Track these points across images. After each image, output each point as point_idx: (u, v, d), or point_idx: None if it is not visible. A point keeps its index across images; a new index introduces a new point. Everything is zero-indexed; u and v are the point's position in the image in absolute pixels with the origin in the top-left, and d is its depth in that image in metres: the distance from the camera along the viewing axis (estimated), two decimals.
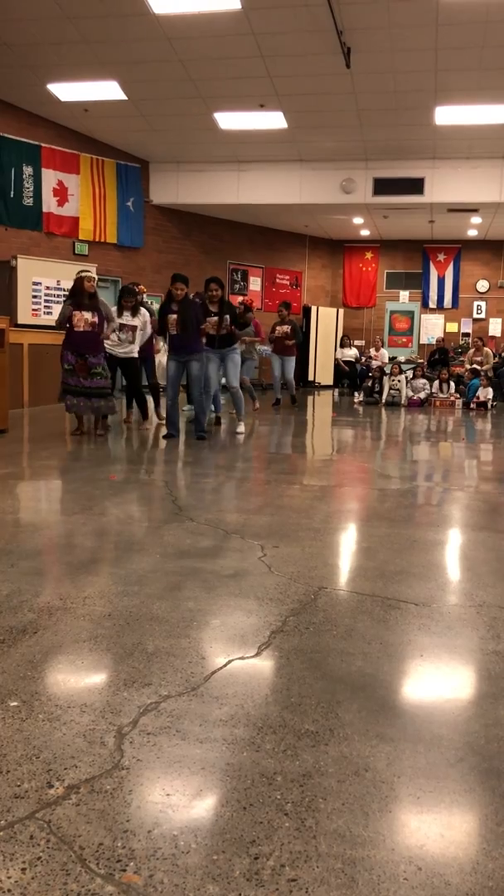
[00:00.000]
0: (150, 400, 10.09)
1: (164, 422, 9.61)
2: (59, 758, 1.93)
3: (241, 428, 9.06)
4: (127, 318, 8.82)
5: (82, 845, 1.61)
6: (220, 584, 3.35)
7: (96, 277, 8.48)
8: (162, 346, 10.48)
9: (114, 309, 8.76)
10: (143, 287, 10.15)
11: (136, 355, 9.02)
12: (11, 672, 2.41)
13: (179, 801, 1.77)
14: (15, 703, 2.21)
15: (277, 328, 12.53)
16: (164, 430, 8.67)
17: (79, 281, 8.09)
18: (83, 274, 8.14)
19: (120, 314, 8.74)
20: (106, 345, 8.56)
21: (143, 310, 9.15)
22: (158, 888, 1.49)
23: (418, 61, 10.10)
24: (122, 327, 8.78)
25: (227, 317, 8.56)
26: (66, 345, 8.09)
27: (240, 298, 12.50)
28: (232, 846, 1.62)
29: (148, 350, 9.73)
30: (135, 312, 8.97)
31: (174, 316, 8.08)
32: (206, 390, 8.62)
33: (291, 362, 12.76)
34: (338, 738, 2.07)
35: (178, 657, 2.55)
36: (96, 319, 8.02)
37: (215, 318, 8.49)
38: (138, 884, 1.50)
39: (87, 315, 7.99)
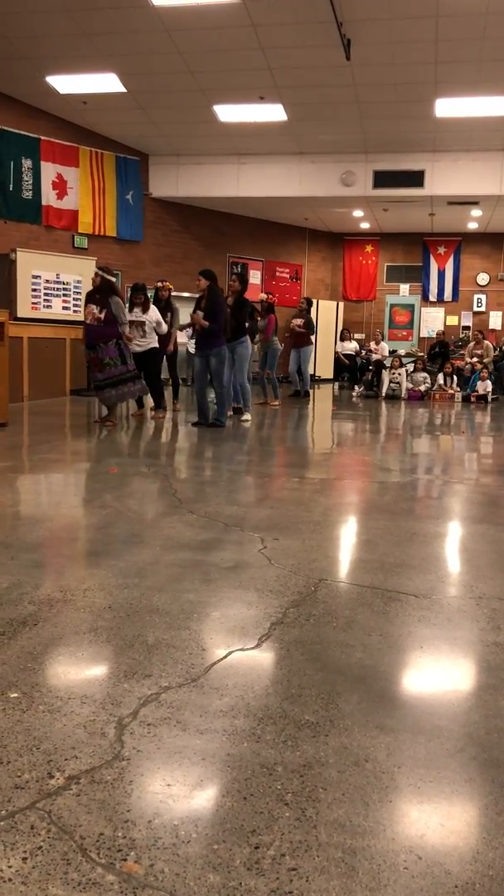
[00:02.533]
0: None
1: (178, 412, 9.85)
2: (60, 749, 1.93)
3: (247, 416, 9.37)
4: (137, 314, 8.92)
5: (83, 835, 1.61)
6: (221, 576, 3.36)
7: (98, 271, 8.50)
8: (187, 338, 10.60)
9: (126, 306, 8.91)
10: (168, 283, 10.18)
11: (155, 345, 9.14)
12: (12, 663, 2.41)
13: (180, 791, 1.78)
14: (15, 695, 2.21)
15: (293, 321, 12.83)
16: (180, 419, 8.69)
17: (94, 276, 8.36)
18: (98, 270, 8.36)
19: (130, 310, 8.86)
20: (134, 347, 8.75)
21: (153, 306, 9.25)
22: (159, 877, 1.49)
23: (418, 53, 10.06)
24: (132, 323, 8.87)
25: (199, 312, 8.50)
26: (84, 342, 8.36)
27: (262, 295, 12.59)
28: (232, 836, 1.62)
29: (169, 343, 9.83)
30: (145, 309, 9.06)
31: (200, 314, 8.25)
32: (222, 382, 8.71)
33: (307, 353, 13.01)
34: (338, 728, 2.07)
35: (179, 649, 2.55)
36: (102, 315, 8.12)
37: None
38: (139, 873, 1.50)
39: (95, 309, 8.15)
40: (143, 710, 2.13)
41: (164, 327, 9.37)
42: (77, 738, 1.98)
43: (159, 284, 9.81)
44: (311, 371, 14.11)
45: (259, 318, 11.33)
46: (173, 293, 10.50)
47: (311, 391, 13.67)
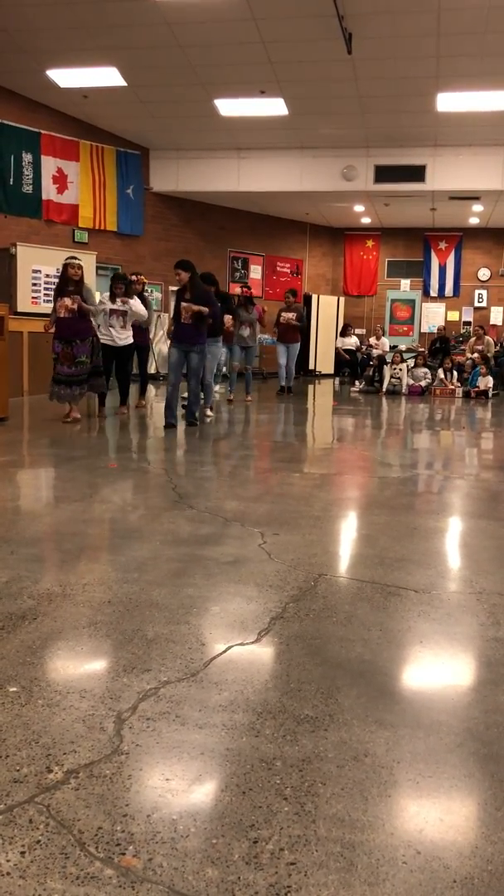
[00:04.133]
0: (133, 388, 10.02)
1: (143, 408, 9.70)
2: (59, 743, 1.93)
3: (210, 412, 9.12)
4: (118, 304, 8.73)
5: (81, 829, 1.61)
6: (220, 570, 3.35)
7: (82, 264, 8.35)
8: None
9: (105, 295, 8.73)
10: (143, 277, 10.03)
11: (131, 341, 8.95)
12: (11, 658, 2.41)
13: (179, 785, 1.77)
14: (14, 689, 2.21)
15: (283, 314, 12.53)
16: (144, 417, 8.65)
17: (64, 268, 8.11)
18: (68, 261, 8.13)
19: (112, 300, 8.67)
20: (104, 339, 8.58)
21: (134, 298, 9.01)
22: (157, 871, 1.49)
23: (420, 47, 10.03)
24: (112, 313, 8.69)
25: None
26: (56, 333, 8.14)
27: (238, 289, 12.40)
28: (231, 830, 1.62)
29: (143, 338, 9.63)
30: (130, 297, 8.89)
31: (186, 305, 7.96)
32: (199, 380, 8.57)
33: (295, 349, 12.77)
34: (337, 723, 2.07)
35: (178, 643, 2.55)
36: (76, 306, 8.00)
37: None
38: (137, 867, 1.50)
39: (68, 301, 8.00)
40: (142, 705, 2.13)
41: (145, 316, 9.12)
42: (76, 733, 1.98)
43: (133, 277, 9.57)
44: (310, 366, 14.02)
45: (245, 312, 11.19)
46: (172, 288, 10.40)
47: (293, 387, 13.26)
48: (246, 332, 11.15)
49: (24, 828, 1.61)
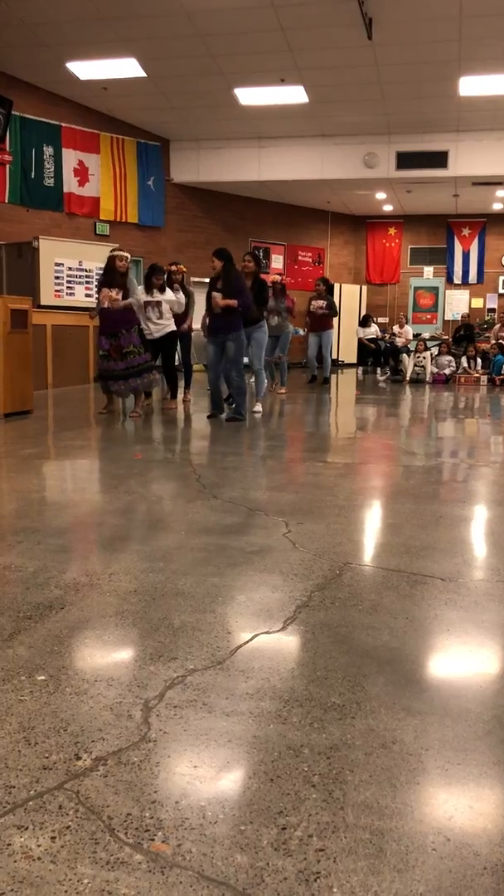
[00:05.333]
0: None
1: (189, 402, 9.63)
2: (87, 730, 1.94)
3: (258, 407, 8.86)
4: (156, 295, 8.72)
5: (110, 815, 1.62)
6: (245, 560, 3.35)
7: (129, 256, 8.37)
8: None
9: (141, 288, 8.71)
10: (182, 267, 9.89)
11: (172, 328, 8.84)
12: (39, 647, 2.43)
13: (206, 772, 1.78)
14: (42, 678, 2.23)
15: (313, 303, 12.44)
16: (192, 409, 8.68)
17: (111, 260, 8.11)
18: (115, 253, 8.11)
19: (149, 292, 8.62)
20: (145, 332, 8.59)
21: (172, 288, 8.98)
22: (187, 857, 1.49)
23: (442, 31, 9.91)
24: (148, 304, 8.67)
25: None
26: (100, 328, 8.10)
27: (275, 276, 12.28)
28: (259, 817, 1.62)
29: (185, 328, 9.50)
30: (163, 290, 8.86)
31: (218, 294, 7.85)
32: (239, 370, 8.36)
33: (328, 337, 12.56)
34: (364, 711, 2.06)
35: (204, 632, 2.55)
36: (120, 296, 8.01)
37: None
38: (167, 852, 1.51)
39: (113, 292, 7.99)
40: (169, 693, 2.14)
41: (182, 305, 9.03)
42: (104, 720, 1.99)
43: (172, 268, 9.52)
44: (333, 356, 13.91)
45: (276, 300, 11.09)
46: (195, 279, 10.34)
47: (330, 377, 13.22)
48: (274, 321, 11.00)
49: (54, 814, 1.62)
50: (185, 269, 9.90)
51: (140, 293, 8.59)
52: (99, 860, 1.49)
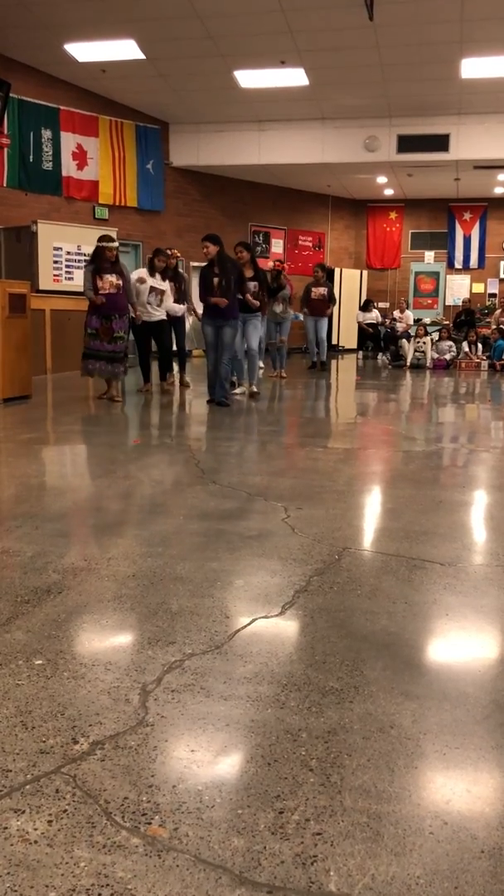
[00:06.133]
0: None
1: (188, 387, 9.60)
2: (84, 715, 1.94)
3: (255, 389, 8.93)
4: (157, 281, 8.72)
5: (107, 799, 1.61)
6: (244, 544, 3.34)
7: (118, 244, 8.35)
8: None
9: (143, 271, 8.72)
10: (176, 252, 9.87)
11: (164, 317, 8.89)
12: (37, 631, 2.42)
13: (204, 757, 1.78)
14: (40, 662, 2.22)
15: (313, 290, 12.46)
16: (189, 395, 8.66)
17: (100, 249, 8.09)
18: (104, 244, 8.09)
19: (152, 274, 8.64)
20: (141, 314, 8.58)
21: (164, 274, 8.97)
22: (184, 841, 1.49)
23: (444, 12, 9.79)
24: (152, 290, 8.68)
25: (255, 283, 8.54)
26: (93, 309, 8.08)
27: (270, 263, 12.26)
28: (257, 801, 1.62)
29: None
30: (165, 275, 8.85)
31: (216, 279, 7.89)
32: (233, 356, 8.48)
33: (324, 323, 12.67)
34: (362, 695, 2.06)
35: (202, 616, 2.55)
36: (121, 282, 8.02)
37: (255, 284, 8.46)
38: (164, 836, 1.50)
39: (112, 278, 7.99)
40: (167, 677, 2.13)
41: (178, 313, 9.13)
42: (101, 705, 1.99)
43: (168, 252, 9.47)
44: (333, 341, 13.89)
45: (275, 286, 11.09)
46: (194, 264, 10.29)
47: (327, 362, 13.25)
48: (279, 307, 11.08)
49: (51, 797, 1.62)
50: (178, 255, 9.88)
51: (145, 276, 8.58)
52: (96, 844, 1.48)
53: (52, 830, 1.52)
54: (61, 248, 12.05)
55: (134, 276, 8.60)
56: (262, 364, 10.55)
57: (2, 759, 1.75)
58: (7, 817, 1.55)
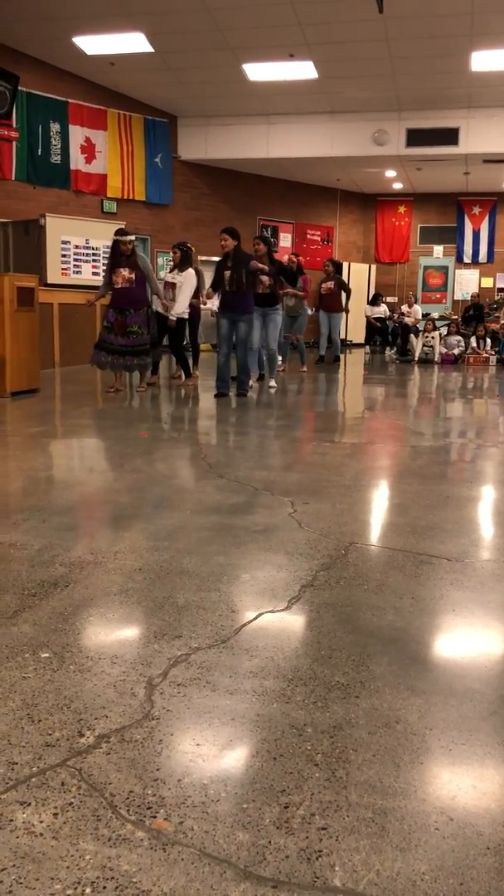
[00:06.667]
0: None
1: (196, 380, 9.63)
2: (90, 708, 1.94)
3: (272, 383, 9.11)
4: (173, 276, 8.78)
5: (113, 792, 1.62)
6: (250, 539, 3.34)
7: (134, 238, 8.38)
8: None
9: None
10: (191, 246, 9.92)
11: (186, 315, 8.90)
12: (43, 624, 2.43)
13: (209, 751, 1.78)
14: (46, 655, 2.23)
15: (323, 285, 12.53)
16: (198, 388, 8.66)
17: (115, 245, 8.16)
18: (118, 238, 8.13)
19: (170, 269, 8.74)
20: (159, 310, 8.63)
21: (190, 270, 8.95)
22: (189, 834, 1.49)
23: (454, 4, 9.73)
24: (165, 285, 8.75)
25: (266, 276, 8.57)
26: (111, 303, 8.19)
27: (286, 257, 12.28)
28: (262, 795, 1.62)
29: (194, 308, 9.50)
30: (182, 269, 8.85)
31: (228, 273, 7.97)
32: (249, 349, 8.51)
33: (338, 319, 12.76)
34: (368, 690, 2.05)
35: (208, 610, 2.55)
36: (133, 275, 8.04)
37: (267, 277, 8.50)
38: (169, 830, 1.51)
39: (125, 272, 8.04)
40: (172, 671, 2.13)
41: (191, 290, 9.06)
42: (107, 698, 1.99)
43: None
44: (342, 335, 13.93)
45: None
46: (202, 257, 10.32)
47: (339, 356, 13.42)
48: (292, 301, 11.12)
49: (57, 790, 1.62)
50: (192, 248, 9.86)
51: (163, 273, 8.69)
52: (101, 837, 1.49)
53: (57, 823, 1.52)
54: (69, 242, 12.05)
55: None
56: (280, 359, 10.61)
57: (8, 751, 1.75)
58: (13, 810, 1.56)
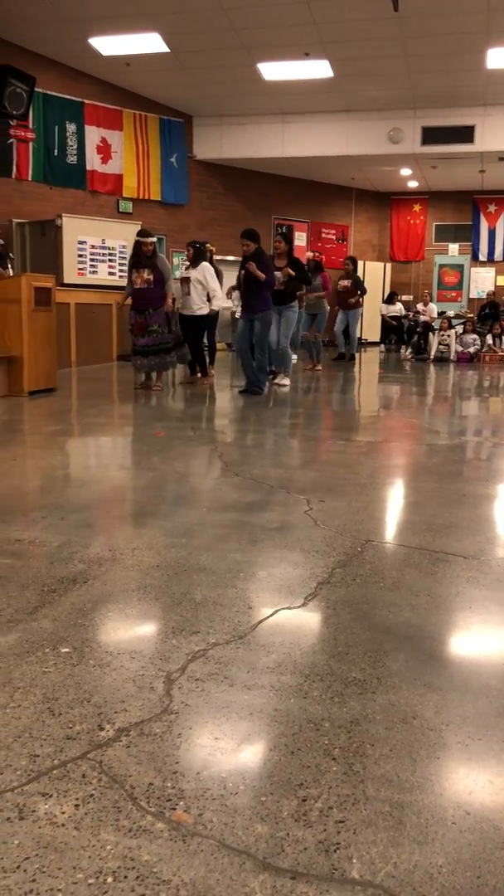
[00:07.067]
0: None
1: (212, 378, 9.73)
2: (110, 702, 1.97)
3: (286, 381, 9.16)
4: (186, 271, 8.89)
5: (133, 784, 1.64)
6: (267, 536, 3.36)
7: (154, 239, 8.45)
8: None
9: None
10: (209, 245, 10.05)
11: (203, 312, 9.00)
12: (63, 620, 2.46)
13: (227, 744, 1.79)
14: (66, 650, 2.25)
15: (340, 282, 12.58)
16: (214, 386, 8.69)
17: (136, 245, 8.25)
18: (141, 239, 8.23)
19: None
20: (180, 309, 8.74)
21: (204, 264, 9.06)
22: (208, 826, 1.51)
23: (469, 1, 9.70)
24: (183, 281, 8.86)
25: (278, 273, 8.64)
26: (132, 304, 8.31)
27: (309, 254, 12.34)
28: (280, 788, 1.64)
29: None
30: (195, 265, 8.96)
31: (242, 272, 8.15)
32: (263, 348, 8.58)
33: (356, 316, 12.81)
34: (385, 686, 2.07)
35: (226, 606, 2.57)
36: (152, 276, 8.11)
37: (278, 273, 8.60)
38: (188, 822, 1.53)
39: (144, 273, 8.13)
40: (191, 666, 2.15)
41: (212, 286, 9.06)
42: (126, 692, 2.01)
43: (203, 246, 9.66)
44: (357, 334, 13.96)
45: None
46: (217, 257, 10.40)
47: (356, 354, 13.46)
48: (312, 299, 11.17)
49: (78, 782, 1.65)
50: (212, 249, 10.03)
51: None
52: (122, 828, 1.51)
53: (79, 814, 1.55)
54: (86, 242, 12.10)
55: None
56: (294, 356, 10.68)
57: (30, 744, 1.78)
58: (35, 801, 1.58)
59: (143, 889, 1.36)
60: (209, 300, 9.01)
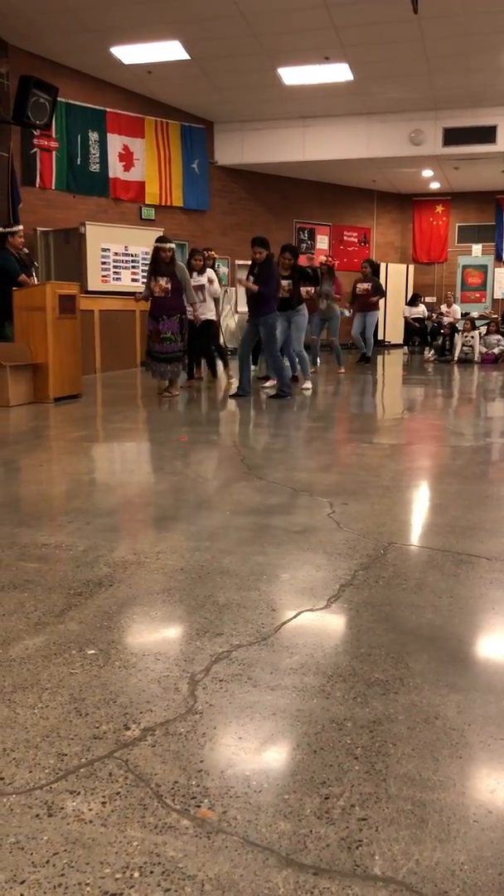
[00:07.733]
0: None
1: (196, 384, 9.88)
2: (135, 702, 2.00)
3: (307, 385, 9.25)
4: (195, 278, 9.03)
5: (158, 783, 1.67)
6: (289, 539, 3.38)
7: (173, 246, 8.54)
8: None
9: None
10: (212, 252, 10.29)
11: (213, 317, 9.25)
12: (89, 622, 2.50)
13: (251, 744, 1.82)
14: (92, 651, 2.29)
15: (358, 285, 12.58)
16: (232, 391, 8.73)
17: (155, 251, 8.33)
18: (158, 245, 8.31)
19: (189, 273, 8.92)
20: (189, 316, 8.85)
21: (209, 270, 9.35)
22: (232, 823, 1.54)
23: (489, 1, 9.67)
24: (196, 288, 9.00)
25: (287, 282, 8.75)
26: (150, 311, 8.40)
27: (322, 258, 12.42)
28: (303, 787, 1.66)
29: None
30: (202, 272, 9.22)
31: (250, 277, 8.29)
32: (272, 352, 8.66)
33: (373, 318, 12.82)
34: (408, 687, 2.08)
35: (249, 609, 2.60)
36: (170, 286, 8.17)
37: (288, 283, 8.73)
38: (213, 819, 1.55)
39: (162, 281, 8.17)
40: (215, 667, 2.18)
41: (216, 287, 9.47)
42: (152, 693, 2.05)
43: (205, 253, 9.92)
44: (379, 336, 13.96)
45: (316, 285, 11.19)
46: (239, 262, 10.58)
47: (371, 356, 13.39)
48: (323, 304, 11.20)
49: (105, 780, 1.68)
50: (216, 255, 10.33)
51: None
52: (147, 825, 1.54)
53: (105, 811, 1.58)
54: (109, 249, 12.22)
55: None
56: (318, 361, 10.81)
57: (58, 743, 1.82)
58: (63, 798, 1.62)
59: (169, 884, 1.39)
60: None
